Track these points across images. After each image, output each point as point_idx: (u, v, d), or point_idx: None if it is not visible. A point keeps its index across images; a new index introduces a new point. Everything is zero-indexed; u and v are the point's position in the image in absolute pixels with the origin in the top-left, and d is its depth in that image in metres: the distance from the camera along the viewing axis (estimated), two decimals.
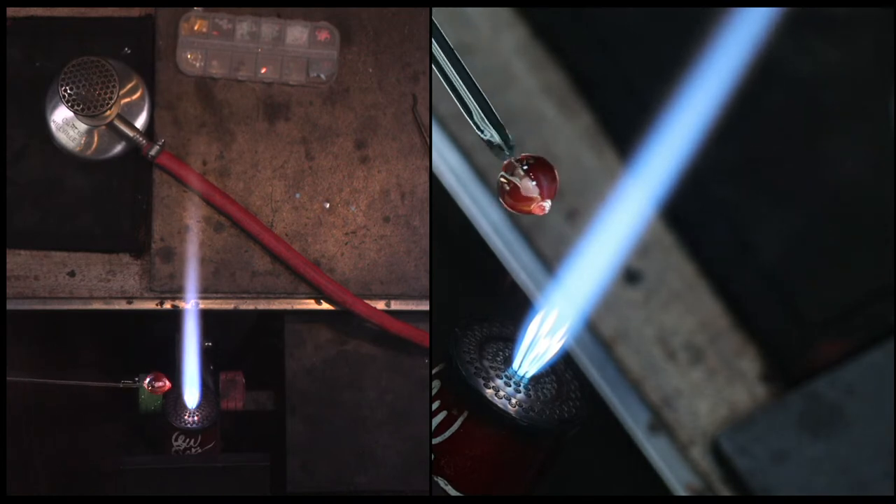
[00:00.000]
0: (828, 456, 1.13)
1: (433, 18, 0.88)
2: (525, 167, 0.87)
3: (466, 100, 0.88)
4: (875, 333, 1.17)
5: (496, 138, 0.87)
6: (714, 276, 1.21)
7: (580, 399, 1.01)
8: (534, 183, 0.86)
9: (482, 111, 0.87)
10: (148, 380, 1.22)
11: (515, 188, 0.87)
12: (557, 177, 0.87)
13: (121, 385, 1.25)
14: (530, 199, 0.87)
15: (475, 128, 0.88)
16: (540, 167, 0.87)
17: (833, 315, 1.18)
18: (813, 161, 1.21)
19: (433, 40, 0.87)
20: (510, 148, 0.88)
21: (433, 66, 0.88)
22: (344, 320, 1.29)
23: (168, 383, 1.23)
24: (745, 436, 1.14)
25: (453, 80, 0.88)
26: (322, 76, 1.28)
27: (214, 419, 1.32)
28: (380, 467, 1.29)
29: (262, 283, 1.26)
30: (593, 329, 1.19)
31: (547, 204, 0.87)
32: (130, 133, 1.23)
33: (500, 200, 0.88)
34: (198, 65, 1.27)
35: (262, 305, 1.27)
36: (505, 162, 0.87)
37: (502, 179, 0.87)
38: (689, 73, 0.83)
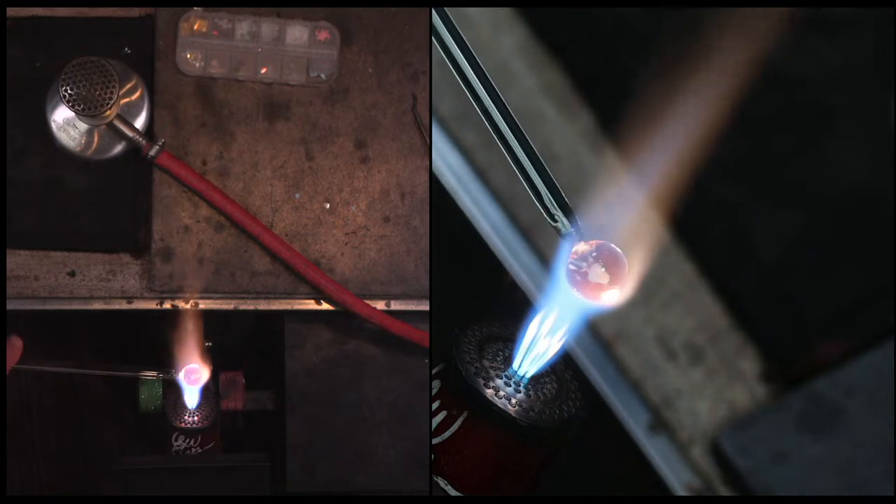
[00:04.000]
0: (828, 456, 1.13)
1: (508, 113, 0.90)
2: (594, 254, 0.88)
3: (536, 182, 0.89)
4: (875, 333, 1.17)
5: (564, 221, 0.89)
6: (714, 276, 1.21)
7: (580, 399, 1.01)
8: (604, 270, 0.88)
9: (551, 194, 0.89)
10: (184, 371, 1.23)
11: (587, 277, 0.88)
12: (626, 262, 0.88)
13: (156, 375, 1.25)
14: (601, 287, 0.88)
15: (542, 209, 0.89)
16: (608, 254, 0.88)
17: (833, 315, 1.18)
18: (813, 161, 1.21)
19: (506, 123, 0.89)
20: (573, 222, 0.89)
21: (504, 151, 0.90)
22: (344, 320, 1.29)
23: (204, 375, 1.24)
24: (745, 436, 1.14)
25: (523, 162, 0.89)
26: (322, 76, 1.28)
27: (214, 419, 1.32)
28: (380, 467, 1.29)
29: (262, 283, 1.26)
30: (593, 329, 1.19)
31: (618, 291, 0.88)
32: (130, 133, 1.23)
33: (572, 287, 0.89)
34: (197, 65, 1.27)
35: (262, 305, 1.27)
36: (574, 249, 0.89)
37: (573, 268, 0.89)
38: (689, 73, 0.83)
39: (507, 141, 0.90)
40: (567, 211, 0.89)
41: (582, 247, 0.89)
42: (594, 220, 0.89)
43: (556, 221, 0.90)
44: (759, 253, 1.20)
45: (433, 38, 0.90)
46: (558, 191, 0.89)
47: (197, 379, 1.23)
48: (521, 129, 0.90)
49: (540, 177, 0.90)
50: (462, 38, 0.89)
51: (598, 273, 0.88)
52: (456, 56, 0.90)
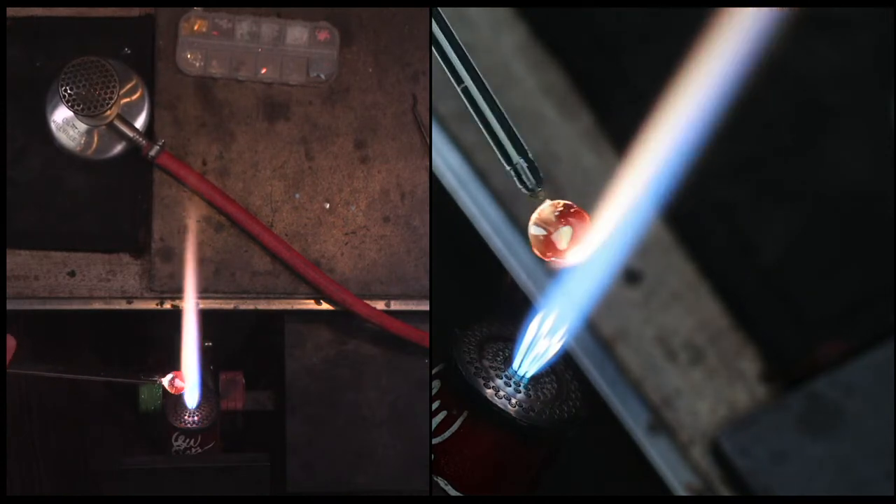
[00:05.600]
0: (828, 456, 1.13)
1: (460, 46, 0.89)
2: (557, 214, 0.87)
3: (497, 131, 0.89)
4: (875, 333, 1.17)
5: (526, 172, 0.88)
6: (714, 276, 1.21)
7: (580, 399, 1.01)
8: (567, 229, 0.87)
9: (512, 143, 0.88)
10: (169, 377, 1.22)
11: (549, 239, 0.87)
12: (590, 220, 0.87)
13: (140, 381, 1.25)
14: (563, 249, 0.87)
15: (504, 161, 0.88)
16: (572, 215, 0.87)
17: (833, 315, 1.18)
18: (813, 161, 1.21)
19: (466, 70, 0.88)
20: (539, 182, 0.88)
21: (464, 98, 0.89)
22: (344, 320, 1.29)
23: (188, 383, 1.23)
24: (745, 436, 1.14)
25: (483, 110, 0.89)
26: (322, 76, 1.28)
27: (214, 419, 1.32)
28: (380, 467, 1.29)
29: (262, 283, 1.26)
30: (593, 329, 1.19)
31: (579, 252, 0.87)
32: (130, 133, 1.23)
33: (534, 250, 0.88)
34: (198, 65, 1.27)
35: (262, 305, 1.27)
36: (537, 211, 0.88)
37: (535, 230, 0.88)
38: (689, 73, 0.83)
39: (470, 94, 0.89)
40: (533, 169, 0.89)
41: (546, 207, 0.88)
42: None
43: (521, 181, 0.89)
44: (759, 253, 1.20)
45: (465, 67, 0.90)
46: (517, 137, 0.89)
47: (179, 388, 1.22)
48: (479, 74, 0.89)
49: (499, 123, 0.89)
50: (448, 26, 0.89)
51: (562, 236, 0.87)
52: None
